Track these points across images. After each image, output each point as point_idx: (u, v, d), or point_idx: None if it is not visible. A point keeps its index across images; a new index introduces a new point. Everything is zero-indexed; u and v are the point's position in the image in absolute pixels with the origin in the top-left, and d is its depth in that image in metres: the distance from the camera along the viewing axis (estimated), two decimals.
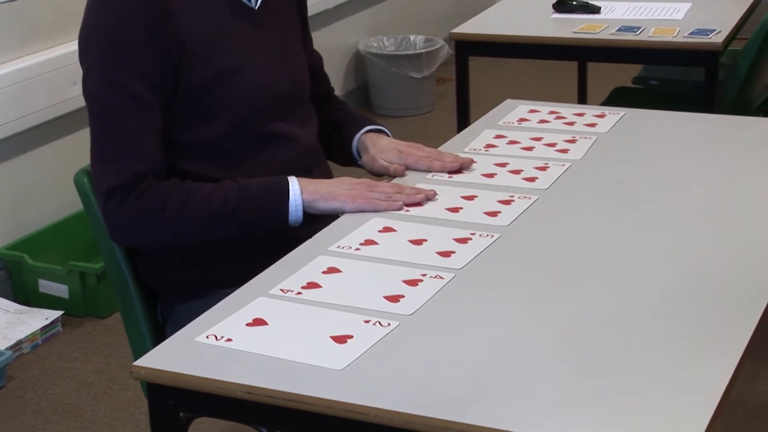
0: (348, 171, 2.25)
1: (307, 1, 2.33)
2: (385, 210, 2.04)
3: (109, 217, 2.02)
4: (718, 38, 3.19)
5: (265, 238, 2.08)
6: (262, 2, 2.14)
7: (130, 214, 2.00)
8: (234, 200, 2.02)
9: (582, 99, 4.49)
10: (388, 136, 2.32)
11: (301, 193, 2.05)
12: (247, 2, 2.13)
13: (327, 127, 2.33)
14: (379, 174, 2.26)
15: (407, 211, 2.04)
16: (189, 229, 2.03)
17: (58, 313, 3.47)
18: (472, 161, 2.23)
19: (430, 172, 2.20)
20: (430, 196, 2.08)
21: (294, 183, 2.06)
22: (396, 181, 2.18)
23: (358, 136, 2.30)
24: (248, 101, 2.10)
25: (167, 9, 2.01)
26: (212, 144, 2.08)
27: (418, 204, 2.05)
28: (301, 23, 2.31)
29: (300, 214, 2.05)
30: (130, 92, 1.99)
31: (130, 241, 2.07)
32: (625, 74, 4.10)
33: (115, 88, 2.00)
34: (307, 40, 2.34)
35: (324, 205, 2.05)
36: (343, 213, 2.05)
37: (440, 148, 2.33)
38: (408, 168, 2.22)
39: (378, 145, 2.27)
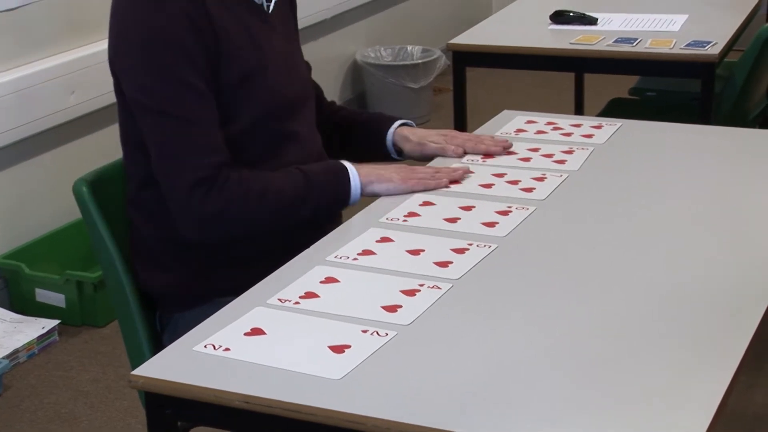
0: None
1: (304, 12, 2.35)
2: (434, 188, 2.16)
3: (194, 212, 2.01)
4: (714, 50, 3.21)
5: (264, 247, 2.09)
6: (274, 8, 2.19)
7: (215, 206, 2.01)
8: (304, 188, 2.08)
9: (579, 110, 4.50)
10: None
11: (358, 174, 2.14)
12: (261, 6, 2.17)
13: (338, 128, 2.38)
14: (429, 159, 2.34)
15: (405, 220, 2.04)
16: (267, 218, 2.07)
17: (54, 323, 3.47)
18: (510, 143, 2.36)
19: (475, 154, 2.33)
20: (466, 172, 2.21)
21: (350, 166, 2.14)
22: (434, 163, 2.31)
23: (392, 130, 2.37)
24: (267, 102, 2.13)
25: (208, 10, 2.04)
26: (230, 142, 2.09)
27: (457, 181, 2.18)
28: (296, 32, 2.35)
29: (358, 196, 2.13)
30: (188, 84, 2.00)
31: (212, 233, 2.05)
32: (622, 85, 4.11)
33: (172, 82, 2.00)
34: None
35: (378, 186, 2.15)
36: (393, 194, 2.14)
37: (438, 159, 2.34)
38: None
39: (417, 133, 2.37)
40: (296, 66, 2.26)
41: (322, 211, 2.12)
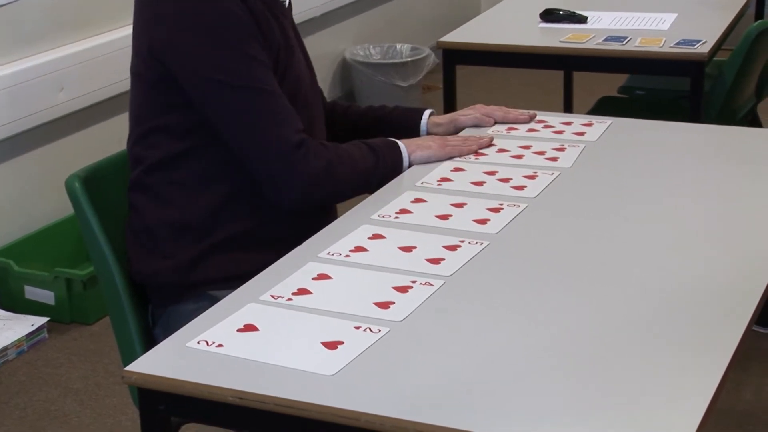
0: None
1: (293, 10, 2.38)
2: (467, 154, 2.32)
3: (303, 171, 2.09)
4: (703, 48, 3.22)
5: (255, 238, 2.11)
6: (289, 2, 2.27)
7: (321, 162, 2.10)
8: (373, 158, 2.21)
9: (568, 108, 4.51)
10: None
11: (403, 145, 2.27)
12: (283, 3, 2.23)
13: (357, 126, 2.44)
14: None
15: (397, 217, 2.05)
16: (352, 182, 2.18)
17: (43, 320, 3.46)
18: (535, 114, 2.54)
19: (504, 123, 2.51)
20: (492, 140, 2.38)
21: (398, 141, 2.28)
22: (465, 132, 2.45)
23: (424, 121, 2.47)
24: (295, 91, 2.19)
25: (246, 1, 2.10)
26: None
27: (488, 146, 2.36)
28: None
29: (407, 165, 2.27)
30: (259, 60, 2.08)
31: (321, 193, 2.14)
32: (611, 84, 4.12)
33: (246, 58, 2.06)
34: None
35: (420, 154, 2.29)
36: (433, 161, 2.29)
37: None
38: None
39: (446, 116, 2.52)
40: (307, 59, 2.33)
41: (383, 182, 2.22)
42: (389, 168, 2.24)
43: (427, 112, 2.49)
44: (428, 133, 2.46)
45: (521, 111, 2.55)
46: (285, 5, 2.24)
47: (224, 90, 2.05)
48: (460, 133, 2.46)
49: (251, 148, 2.08)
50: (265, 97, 2.07)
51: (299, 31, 2.38)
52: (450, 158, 2.30)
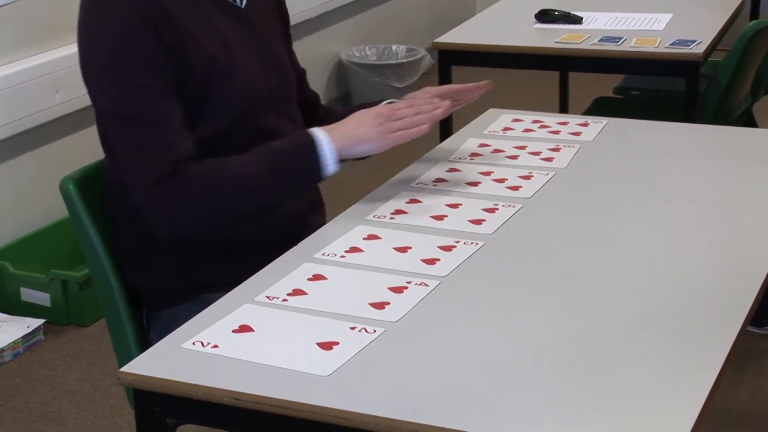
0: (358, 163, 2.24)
1: (289, 11, 2.34)
2: (414, 137, 2.06)
3: (158, 211, 1.98)
4: (698, 49, 3.22)
5: (251, 242, 2.10)
6: (248, 2, 2.16)
7: (176, 202, 1.97)
8: (268, 169, 2.01)
9: (563, 109, 4.51)
10: None
11: (330, 142, 2.02)
12: (233, 2, 2.14)
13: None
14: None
15: (392, 218, 2.04)
16: (233, 206, 2.01)
17: (39, 322, 3.46)
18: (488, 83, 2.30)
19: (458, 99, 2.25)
20: (445, 108, 2.10)
21: (320, 136, 2.03)
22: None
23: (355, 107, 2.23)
24: (242, 99, 2.11)
25: (165, 9, 2.01)
26: (208, 143, 2.07)
27: (441, 117, 2.10)
28: (284, 32, 2.32)
29: (334, 165, 2.03)
30: (142, 85, 1.98)
31: (178, 231, 2.01)
32: (606, 84, 4.12)
33: (125, 85, 1.98)
34: (290, 50, 2.35)
35: (358, 149, 2.05)
36: (376, 153, 2.07)
37: (424, 158, 2.35)
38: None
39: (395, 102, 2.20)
40: (276, 60, 2.22)
41: (296, 190, 2.07)
42: (297, 170, 2.03)
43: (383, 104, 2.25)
44: None
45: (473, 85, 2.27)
46: (240, 6, 2.15)
47: (106, 119, 2.02)
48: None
49: (124, 179, 2.02)
50: (141, 126, 1.98)
51: (292, 33, 2.35)
52: (396, 144, 2.06)
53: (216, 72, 2.07)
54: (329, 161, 2.03)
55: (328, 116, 2.36)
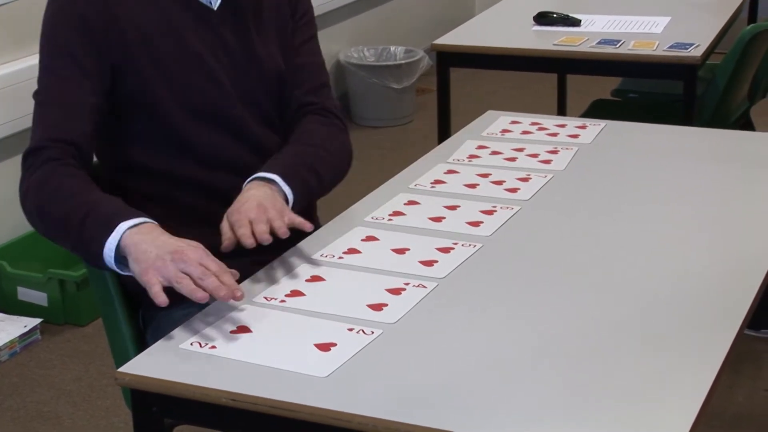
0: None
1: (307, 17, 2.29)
2: (186, 294, 1.72)
3: (22, 179, 2.04)
4: (696, 52, 3.22)
5: (243, 252, 2.09)
6: (223, 3, 2.13)
7: (29, 183, 2.02)
8: (78, 218, 1.88)
9: (561, 111, 4.52)
10: (275, 184, 2.01)
11: (122, 239, 1.82)
12: (205, 3, 2.12)
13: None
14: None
15: (390, 220, 2.05)
16: (50, 223, 1.96)
17: (37, 321, 3.46)
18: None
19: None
20: (228, 291, 1.73)
21: (122, 227, 1.83)
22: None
23: (248, 180, 2.02)
24: (198, 96, 2.09)
25: (112, 14, 2.04)
26: (162, 136, 2.09)
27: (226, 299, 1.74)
28: (292, 31, 2.26)
29: (111, 259, 1.83)
30: (56, 71, 2.05)
31: (27, 208, 2.02)
32: (604, 87, 4.12)
33: (46, 71, 2.06)
34: (299, 52, 2.26)
35: (131, 263, 1.81)
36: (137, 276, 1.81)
37: (422, 159, 2.35)
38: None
39: (240, 199, 1.96)
40: (253, 62, 2.16)
41: (79, 251, 1.92)
42: (85, 245, 1.87)
43: (249, 179, 2.01)
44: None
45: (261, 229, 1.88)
46: (212, 8, 2.11)
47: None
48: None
49: None
50: (40, 106, 2.06)
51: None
52: (146, 286, 1.76)
53: (165, 70, 2.06)
54: (110, 253, 1.83)
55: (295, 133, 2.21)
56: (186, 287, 1.72)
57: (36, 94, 2.08)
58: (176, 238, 1.82)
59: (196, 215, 2.10)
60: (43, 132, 2.03)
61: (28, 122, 3.48)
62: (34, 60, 3.60)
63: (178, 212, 2.09)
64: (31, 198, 2.00)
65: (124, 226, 1.83)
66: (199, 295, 1.70)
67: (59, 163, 1.99)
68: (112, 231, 1.83)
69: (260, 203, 1.91)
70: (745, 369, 3.16)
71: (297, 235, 2.02)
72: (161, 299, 1.73)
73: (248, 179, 2.01)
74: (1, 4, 3.57)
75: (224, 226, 1.91)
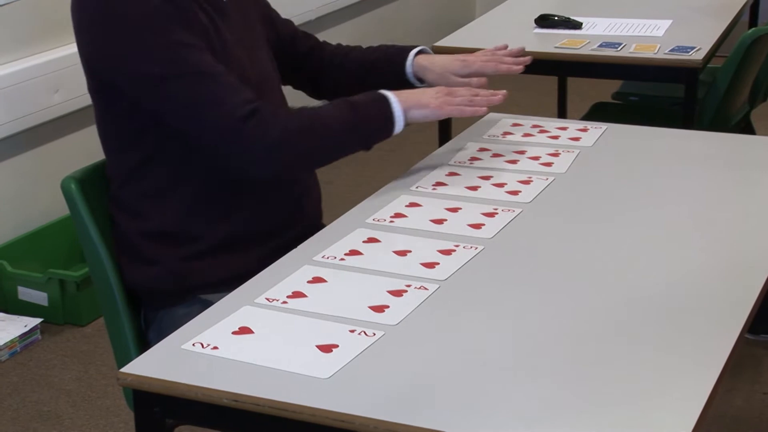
0: None
1: (289, 13, 2.37)
2: (471, 115, 2.20)
3: (256, 144, 2.01)
4: (697, 55, 3.23)
5: (237, 239, 2.11)
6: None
7: (274, 130, 2.02)
8: (352, 117, 2.10)
9: (562, 114, 4.52)
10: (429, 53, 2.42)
11: (397, 101, 2.14)
12: None
13: (351, 73, 2.41)
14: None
15: (392, 221, 2.05)
16: (325, 143, 2.09)
17: (37, 321, 3.46)
18: (528, 59, 2.43)
19: (497, 74, 2.40)
20: (504, 95, 2.23)
21: (389, 94, 2.15)
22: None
23: (409, 62, 2.38)
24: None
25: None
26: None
27: (497, 103, 2.22)
28: (265, 15, 2.37)
29: (402, 124, 2.14)
30: (190, 44, 2.02)
31: (288, 159, 2.05)
32: (605, 90, 4.13)
33: (176, 46, 2.01)
34: (274, 14, 2.42)
35: (417, 113, 2.16)
36: (430, 120, 2.20)
37: (424, 161, 2.35)
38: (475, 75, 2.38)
39: (437, 62, 2.38)
40: (255, 53, 2.24)
41: (370, 141, 2.14)
42: (375, 122, 2.13)
43: (412, 54, 2.40)
44: (415, 76, 2.39)
45: (513, 57, 2.45)
46: (224, 1, 2.17)
47: (163, 82, 2.01)
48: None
49: (204, 134, 2.04)
50: (204, 78, 2.01)
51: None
52: (449, 117, 2.23)
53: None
54: (399, 117, 2.14)
55: (351, 58, 2.43)
56: (475, 109, 2.18)
57: (188, 66, 2.00)
58: (410, 91, 2.19)
59: (239, 188, 2.13)
60: (240, 97, 2.02)
61: (34, 120, 3.49)
62: (34, 60, 3.65)
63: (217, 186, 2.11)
64: (295, 141, 2.05)
65: (389, 95, 2.14)
66: (483, 110, 2.19)
67: (282, 108, 2.11)
68: (389, 104, 2.13)
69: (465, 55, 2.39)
70: (744, 373, 3.16)
71: (294, 219, 2.03)
72: (483, 108, 2.18)
73: (410, 56, 2.36)
74: (1, 4, 3.57)
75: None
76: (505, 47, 2.49)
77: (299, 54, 2.41)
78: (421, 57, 2.41)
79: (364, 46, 2.52)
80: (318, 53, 2.45)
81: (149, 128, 2.08)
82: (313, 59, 2.43)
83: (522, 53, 2.46)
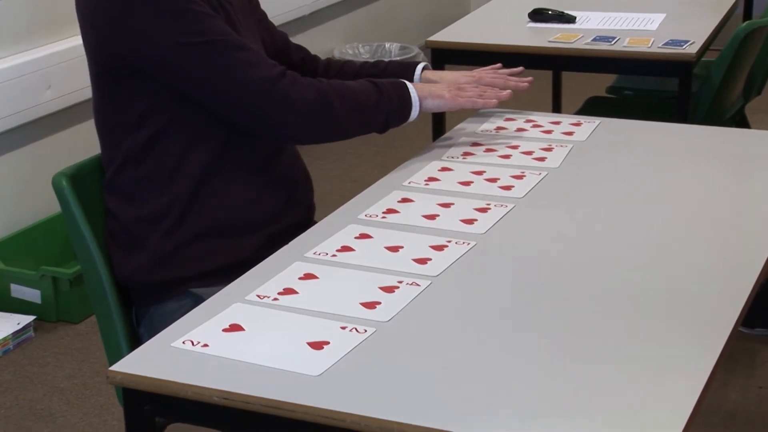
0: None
1: (283, 8, 2.37)
2: (482, 107, 2.35)
3: (292, 101, 2.05)
4: (691, 49, 3.22)
5: (237, 237, 2.11)
6: None
7: (312, 92, 2.07)
8: (376, 93, 2.17)
9: (556, 108, 4.51)
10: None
11: (414, 89, 2.23)
12: None
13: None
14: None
15: (384, 217, 2.04)
16: (353, 114, 2.14)
17: (30, 318, 3.45)
18: (526, 85, 2.49)
19: (505, 89, 2.42)
20: (508, 93, 2.38)
21: (407, 82, 2.24)
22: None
23: (417, 75, 2.43)
24: None
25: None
26: (206, 120, 2.11)
27: (506, 97, 2.35)
28: (261, 14, 2.38)
29: (418, 110, 2.23)
30: (213, 15, 2.06)
31: (322, 121, 2.10)
32: (599, 84, 4.12)
33: (202, 17, 2.03)
34: (271, 25, 2.41)
35: (432, 102, 2.26)
36: (443, 110, 2.33)
37: (416, 157, 2.34)
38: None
39: (444, 78, 2.43)
40: (258, 46, 2.26)
41: (391, 121, 2.20)
42: (396, 105, 2.20)
43: (419, 67, 2.46)
44: None
45: (516, 77, 2.51)
46: (231, 3, 2.18)
47: (189, 52, 2.01)
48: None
49: (237, 100, 2.05)
50: (234, 43, 2.04)
51: (286, 30, 2.37)
52: (462, 108, 2.30)
53: None
54: (416, 104, 2.22)
55: (349, 71, 2.44)
56: (486, 101, 2.32)
57: (213, 34, 2.02)
58: (422, 83, 2.31)
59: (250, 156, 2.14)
60: (269, 61, 2.09)
61: (26, 117, 3.49)
62: (26, 57, 3.63)
63: (230, 156, 2.13)
64: (332, 99, 2.11)
65: (405, 81, 2.24)
66: (493, 102, 2.33)
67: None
68: (407, 88, 2.22)
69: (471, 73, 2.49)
70: (739, 367, 3.16)
71: (286, 210, 2.02)
72: (493, 101, 2.32)
73: (417, 72, 2.41)
74: None
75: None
76: (500, 67, 2.56)
77: (292, 63, 2.41)
78: (428, 72, 2.45)
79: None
80: (311, 65, 2.46)
81: (153, 111, 2.09)
82: (306, 70, 2.42)
83: (522, 74, 2.53)
